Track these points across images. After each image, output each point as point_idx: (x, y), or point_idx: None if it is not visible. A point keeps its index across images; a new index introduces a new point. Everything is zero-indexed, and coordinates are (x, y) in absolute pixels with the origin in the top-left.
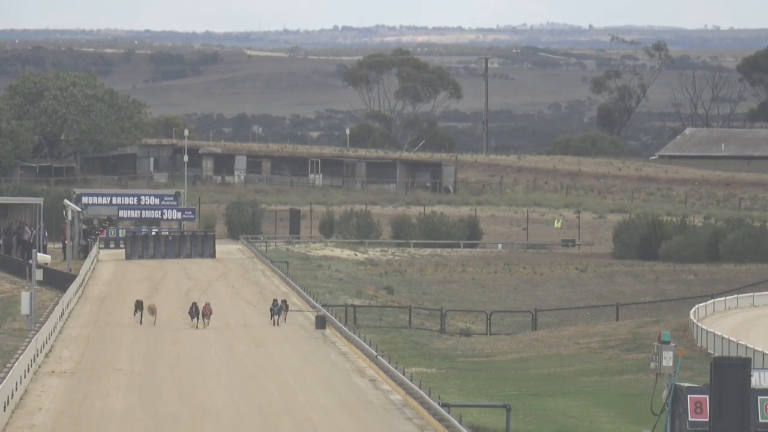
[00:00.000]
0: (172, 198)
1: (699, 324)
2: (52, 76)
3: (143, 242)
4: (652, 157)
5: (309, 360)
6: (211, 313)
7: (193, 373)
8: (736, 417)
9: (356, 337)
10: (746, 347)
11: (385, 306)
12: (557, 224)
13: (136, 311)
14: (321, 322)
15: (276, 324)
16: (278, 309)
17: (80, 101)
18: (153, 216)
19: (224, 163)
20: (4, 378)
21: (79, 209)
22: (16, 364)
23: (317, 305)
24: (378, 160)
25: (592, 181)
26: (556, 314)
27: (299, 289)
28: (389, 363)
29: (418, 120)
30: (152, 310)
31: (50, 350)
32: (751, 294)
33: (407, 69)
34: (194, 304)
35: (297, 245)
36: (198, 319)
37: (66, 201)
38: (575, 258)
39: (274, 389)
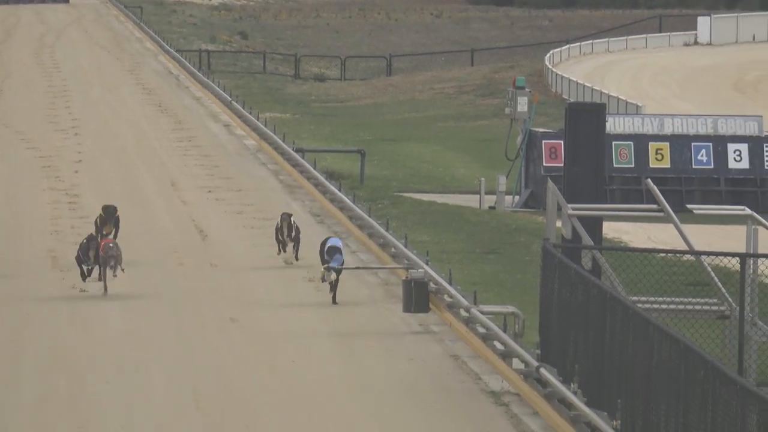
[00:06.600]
0: None
1: (554, 69)
2: None
3: None
4: None
5: (162, 106)
6: (119, 255)
7: (48, 118)
8: (590, 162)
9: (210, 82)
10: (601, 93)
11: (240, 51)
12: None
13: None
14: (418, 299)
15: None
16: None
17: None
18: None
19: None
20: None
21: None
22: None
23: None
24: None
25: None
26: (411, 59)
27: (152, 33)
28: (243, 108)
29: None
30: None
31: None
32: (606, 39)
33: None
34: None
35: None
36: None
37: None
38: (430, 3)
39: (129, 135)
